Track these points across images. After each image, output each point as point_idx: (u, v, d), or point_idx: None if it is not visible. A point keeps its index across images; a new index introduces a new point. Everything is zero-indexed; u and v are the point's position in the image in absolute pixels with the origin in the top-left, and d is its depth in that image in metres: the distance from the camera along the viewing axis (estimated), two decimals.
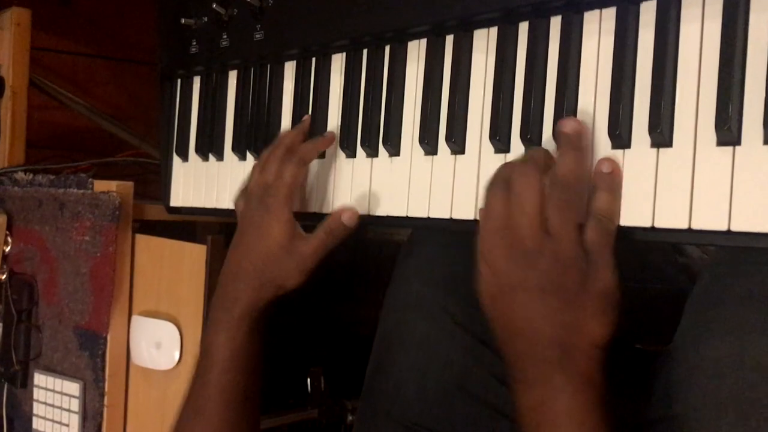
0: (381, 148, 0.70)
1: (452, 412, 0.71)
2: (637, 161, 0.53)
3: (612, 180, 0.54)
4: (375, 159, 0.71)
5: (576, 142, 0.55)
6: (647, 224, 0.52)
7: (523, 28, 0.61)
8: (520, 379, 0.55)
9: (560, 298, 0.52)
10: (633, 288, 0.90)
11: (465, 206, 0.63)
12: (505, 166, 0.58)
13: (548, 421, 0.53)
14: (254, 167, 0.75)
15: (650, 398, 0.64)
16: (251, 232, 0.72)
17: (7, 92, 1.18)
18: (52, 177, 1.06)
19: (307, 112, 0.78)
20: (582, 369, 0.52)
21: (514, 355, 0.56)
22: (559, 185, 0.53)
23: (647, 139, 0.53)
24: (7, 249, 1.08)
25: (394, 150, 0.69)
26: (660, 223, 0.51)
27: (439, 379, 0.72)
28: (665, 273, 0.92)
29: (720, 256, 0.58)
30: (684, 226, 0.50)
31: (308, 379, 1.06)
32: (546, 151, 0.57)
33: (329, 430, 1.07)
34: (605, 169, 0.54)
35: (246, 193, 0.75)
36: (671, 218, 0.51)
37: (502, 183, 0.56)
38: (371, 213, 0.71)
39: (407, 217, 0.68)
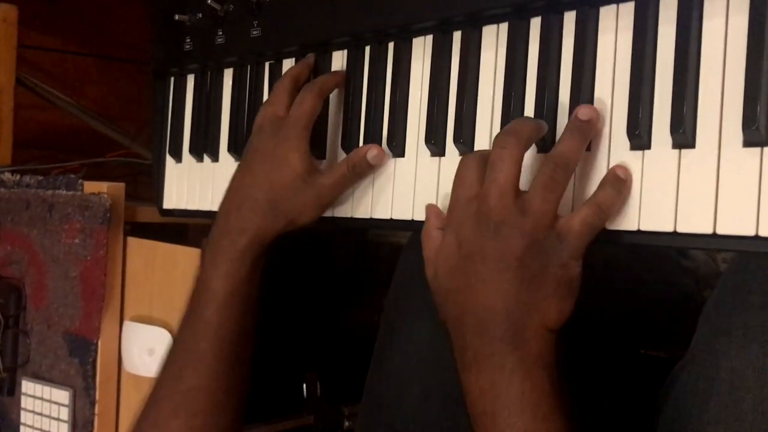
0: (385, 149, 0.68)
1: (456, 420, 0.69)
2: (658, 163, 0.51)
3: (622, 183, 0.52)
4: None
5: (586, 130, 0.53)
6: (669, 229, 0.50)
7: (535, 23, 0.58)
8: (470, 361, 0.53)
9: (519, 275, 0.51)
10: (636, 291, 0.88)
11: None
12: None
13: (500, 404, 0.51)
14: (261, 108, 0.72)
15: (660, 407, 0.62)
16: (263, 161, 0.67)
17: None
18: (40, 178, 1.03)
19: None
20: (534, 350, 0.51)
21: (463, 337, 0.53)
22: (552, 162, 0.52)
23: (668, 140, 0.50)
24: None
25: (399, 151, 0.67)
26: (682, 228, 0.49)
27: (442, 386, 0.70)
28: (669, 276, 0.90)
29: (740, 261, 0.56)
30: (708, 231, 0.48)
31: (304, 385, 1.04)
32: (535, 124, 0.54)
33: None
34: (620, 173, 0.52)
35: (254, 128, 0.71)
36: (694, 223, 0.49)
37: (478, 155, 0.55)
38: (373, 216, 0.69)
39: (413, 221, 0.66)
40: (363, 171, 0.67)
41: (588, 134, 0.53)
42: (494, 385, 0.51)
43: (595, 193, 0.52)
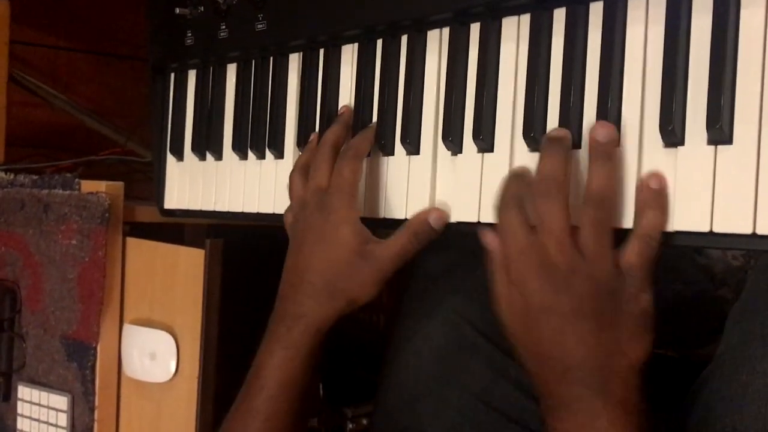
0: (398, 147, 0.66)
1: (476, 427, 0.67)
2: (692, 160, 0.49)
3: (661, 198, 0.50)
4: (391, 158, 0.66)
5: (611, 152, 0.51)
6: (705, 229, 0.48)
7: (559, 14, 0.56)
8: (554, 405, 0.52)
9: (596, 321, 0.50)
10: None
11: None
12: (513, 180, 0.54)
13: None
14: (294, 175, 0.68)
15: (690, 412, 0.60)
16: (314, 240, 0.63)
17: None
18: (35, 177, 1.00)
19: (315, 109, 0.73)
20: (620, 394, 0.50)
21: (546, 381, 0.52)
22: (593, 203, 0.50)
23: (703, 136, 0.48)
24: None
25: (413, 148, 0.64)
26: (719, 228, 0.47)
27: (459, 393, 0.69)
28: (684, 274, 0.89)
29: None
30: (747, 231, 0.46)
31: None
32: (564, 159, 0.52)
33: None
34: (653, 185, 0.50)
35: (292, 203, 0.68)
36: (732, 222, 0.47)
37: (515, 200, 0.53)
38: (387, 216, 0.66)
39: None
40: (425, 238, 0.62)
41: (613, 155, 0.51)
42: (579, 429, 0.50)
43: (639, 222, 0.50)
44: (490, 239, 0.55)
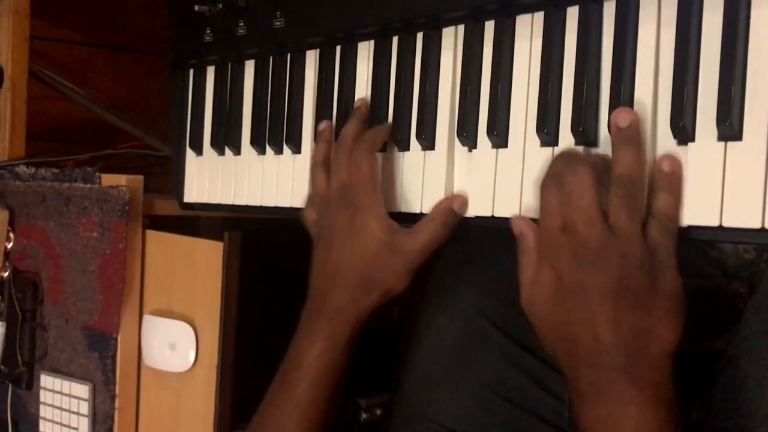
0: (414, 142, 0.67)
1: (490, 417, 0.68)
2: (703, 156, 0.50)
3: (673, 179, 0.51)
4: (407, 153, 0.68)
5: (633, 136, 0.51)
6: (714, 223, 0.49)
7: (572, 12, 0.57)
8: (583, 391, 0.51)
9: (628, 301, 0.49)
10: None
11: (508, 203, 0.60)
12: (556, 161, 0.54)
13: None
14: (315, 172, 0.69)
15: (706, 404, 0.61)
16: (345, 236, 0.65)
17: (6, 83, 1.14)
18: (56, 170, 1.03)
19: (331, 104, 0.74)
20: (651, 379, 0.49)
21: (575, 366, 0.52)
22: (621, 183, 0.50)
23: (713, 132, 0.49)
24: (9, 246, 1.05)
25: (429, 144, 0.66)
26: (729, 222, 0.48)
27: (473, 383, 0.70)
28: (696, 267, 0.90)
29: None
30: (756, 225, 0.47)
31: None
32: (600, 154, 0.53)
33: (343, 429, 1.05)
34: (666, 167, 0.51)
35: (315, 200, 0.69)
36: (742, 217, 0.48)
37: (555, 179, 0.53)
38: (403, 210, 0.68)
39: None
40: (452, 224, 0.63)
41: (637, 138, 0.51)
42: (610, 416, 0.50)
43: (654, 202, 0.51)
44: (519, 224, 0.56)
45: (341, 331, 0.65)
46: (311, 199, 0.71)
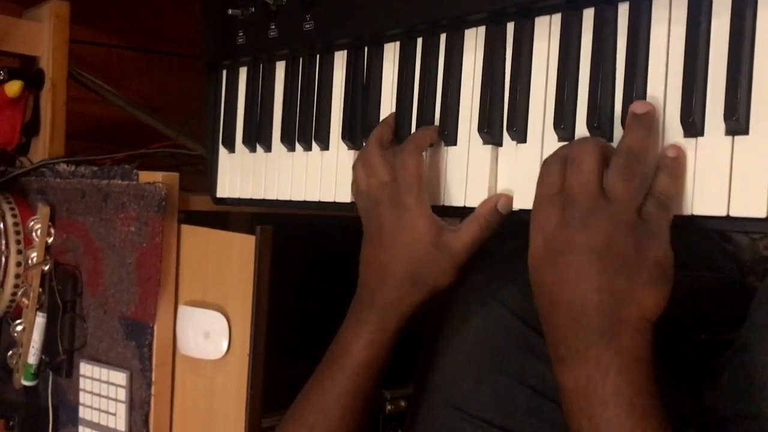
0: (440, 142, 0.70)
1: (512, 405, 0.70)
2: (712, 149, 0.52)
3: (675, 164, 0.53)
4: (430, 148, 0.71)
5: (646, 121, 0.54)
6: (722, 213, 0.51)
7: (588, 14, 0.60)
8: (563, 356, 0.53)
9: (613, 263, 0.51)
10: (679, 276, 0.89)
11: (527, 196, 0.62)
12: (563, 147, 0.58)
13: (595, 401, 0.51)
14: (356, 169, 0.71)
15: (714, 389, 0.63)
16: (394, 235, 0.67)
17: (47, 85, 1.19)
18: (94, 168, 1.06)
19: (359, 103, 0.77)
20: (630, 344, 0.50)
21: (555, 330, 0.54)
22: (622, 153, 0.53)
23: (721, 127, 0.52)
24: (50, 240, 1.09)
25: (452, 140, 0.69)
26: (735, 212, 0.51)
27: (496, 372, 0.71)
28: (713, 261, 0.91)
29: None
30: (762, 215, 0.49)
31: None
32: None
33: None
34: (670, 153, 0.53)
35: (360, 193, 0.71)
36: (748, 207, 0.50)
37: (559, 157, 0.55)
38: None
39: (464, 207, 0.68)
40: (495, 223, 0.65)
41: (649, 124, 0.54)
42: (589, 380, 0.51)
43: (654, 182, 0.53)
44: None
45: (388, 325, 0.67)
46: (356, 188, 0.73)
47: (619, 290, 0.51)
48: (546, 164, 0.56)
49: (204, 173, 0.99)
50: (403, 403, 1.08)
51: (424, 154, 0.68)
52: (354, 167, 0.72)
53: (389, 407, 1.10)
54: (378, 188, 0.68)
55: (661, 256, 0.52)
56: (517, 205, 0.64)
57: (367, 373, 0.68)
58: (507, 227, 0.73)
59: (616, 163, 0.53)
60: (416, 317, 0.70)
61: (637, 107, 0.54)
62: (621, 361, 0.50)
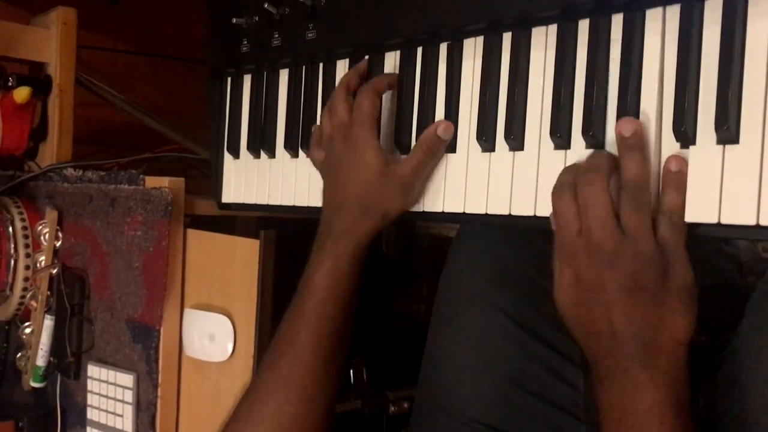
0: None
1: (510, 408, 0.72)
2: (703, 158, 0.54)
3: (680, 178, 0.54)
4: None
5: (637, 143, 0.55)
6: (713, 220, 0.53)
7: (583, 25, 0.61)
8: (602, 376, 0.55)
9: (642, 296, 0.53)
10: None
11: (524, 203, 0.64)
12: (566, 172, 0.59)
13: (627, 414, 0.53)
14: (323, 117, 0.76)
15: (708, 391, 0.64)
16: (345, 167, 0.72)
17: (55, 90, 1.20)
18: (102, 173, 1.07)
19: None
20: (664, 366, 0.53)
21: (596, 355, 0.56)
22: (629, 188, 0.54)
23: (713, 136, 0.53)
24: (58, 244, 1.10)
25: (451, 147, 0.70)
26: (726, 220, 0.52)
27: (494, 376, 0.73)
28: (712, 264, 0.92)
29: None
30: (752, 222, 0.51)
31: (351, 370, 1.07)
32: (608, 155, 0.57)
33: (372, 420, 1.09)
34: (673, 167, 0.55)
35: (320, 142, 0.76)
36: (738, 214, 0.51)
37: (567, 188, 0.57)
38: (426, 209, 0.72)
39: (464, 214, 0.69)
40: (437, 148, 0.69)
41: (640, 144, 0.55)
42: (624, 398, 0.53)
43: (663, 200, 0.55)
44: (554, 223, 0.60)
45: (345, 250, 0.71)
46: (317, 142, 0.77)
47: (652, 320, 0.53)
48: (560, 201, 0.57)
49: (209, 177, 1.00)
50: (406, 405, 1.09)
51: (383, 97, 0.74)
52: (321, 117, 0.76)
53: (393, 408, 1.10)
54: (336, 126, 0.73)
55: (683, 282, 0.54)
56: (515, 212, 0.65)
57: (329, 300, 0.70)
58: (505, 236, 0.75)
59: (624, 200, 0.54)
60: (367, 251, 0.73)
61: (624, 128, 0.55)
62: (655, 381, 0.53)
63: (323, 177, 0.76)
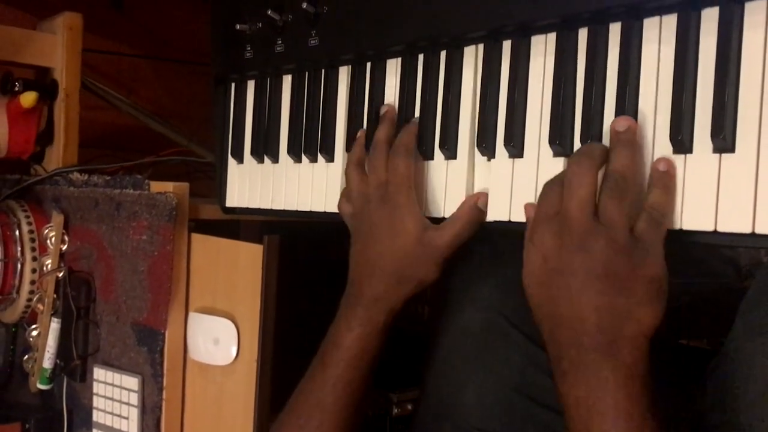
0: (437, 152, 0.72)
1: (513, 415, 0.72)
2: (699, 166, 0.54)
3: (666, 178, 0.55)
4: (431, 162, 0.73)
5: (630, 140, 0.56)
6: (709, 228, 0.53)
7: (582, 34, 0.62)
8: (566, 370, 0.55)
9: (610, 283, 0.53)
10: (677, 282, 0.91)
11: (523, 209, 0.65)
12: (564, 171, 0.59)
13: (595, 412, 0.53)
14: (351, 171, 0.74)
15: (703, 397, 0.65)
16: (381, 232, 0.70)
17: (61, 94, 1.21)
18: (107, 177, 1.08)
19: (362, 116, 0.79)
20: (628, 359, 0.53)
21: (558, 346, 0.56)
22: (612, 177, 0.54)
23: (709, 145, 0.54)
24: (64, 247, 1.11)
25: (451, 154, 0.71)
26: (722, 228, 0.53)
27: (497, 383, 0.73)
28: (711, 266, 0.92)
29: None
30: (747, 230, 0.51)
31: None
32: (603, 146, 0.58)
33: (375, 422, 1.09)
34: (661, 167, 0.55)
35: (351, 196, 0.74)
36: (734, 222, 0.52)
37: (557, 181, 0.58)
38: (426, 215, 0.73)
39: None
40: (475, 221, 0.68)
41: (632, 142, 0.56)
42: (589, 394, 0.53)
43: (647, 197, 0.55)
44: (527, 209, 0.61)
45: (377, 318, 0.70)
46: (347, 194, 0.76)
47: (618, 309, 0.53)
48: (547, 186, 0.58)
49: (215, 179, 1.01)
50: (409, 407, 1.10)
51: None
52: (347, 170, 0.75)
53: (396, 410, 1.11)
54: (374, 187, 0.71)
55: (654, 274, 0.54)
56: (515, 218, 0.66)
57: (358, 365, 0.70)
58: (508, 242, 0.75)
59: (606, 187, 0.54)
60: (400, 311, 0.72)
61: (618, 124, 0.56)
62: (619, 375, 0.52)
63: (352, 232, 0.74)
